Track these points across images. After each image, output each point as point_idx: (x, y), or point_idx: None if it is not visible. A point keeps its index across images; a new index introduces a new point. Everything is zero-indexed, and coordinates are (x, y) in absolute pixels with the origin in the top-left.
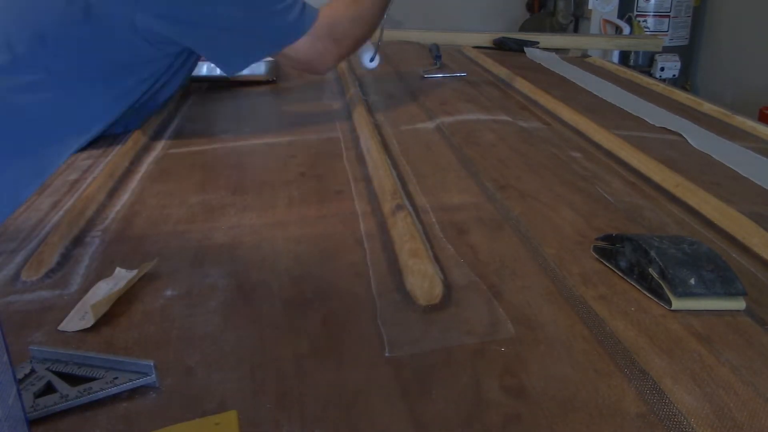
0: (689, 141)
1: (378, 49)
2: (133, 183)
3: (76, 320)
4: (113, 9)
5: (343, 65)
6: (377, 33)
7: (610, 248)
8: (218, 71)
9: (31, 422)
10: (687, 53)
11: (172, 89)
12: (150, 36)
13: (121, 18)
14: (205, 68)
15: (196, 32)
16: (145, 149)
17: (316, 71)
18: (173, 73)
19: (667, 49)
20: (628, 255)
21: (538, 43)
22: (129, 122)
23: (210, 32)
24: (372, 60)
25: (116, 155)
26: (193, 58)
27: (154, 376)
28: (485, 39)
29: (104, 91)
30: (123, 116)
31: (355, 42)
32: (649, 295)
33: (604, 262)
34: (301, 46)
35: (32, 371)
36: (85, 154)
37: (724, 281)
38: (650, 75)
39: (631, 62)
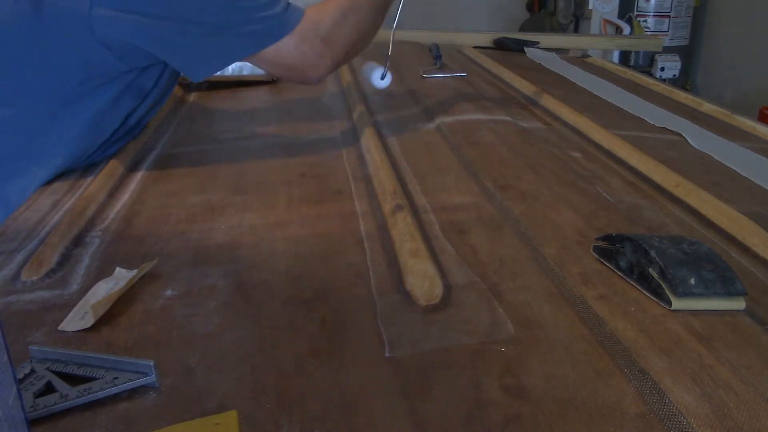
0: (689, 141)
1: (388, 65)
2: (134, 183)
3: (76, 320)
4: (66, 3)
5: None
6: (389, 47)
7: (610, 248)
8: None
9: (31, 422)
10: (687, 53)
11: (144, 120)
12: (109, 40)
13: (76, 17)
14: None
15: (160, 28)
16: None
17: (305, 78)
18: (146, 108)
19: (667, 49)
20: (628, 255)
21: (538, 43)
22: (96, 156)
23: (176, 28)
24: (383, 78)
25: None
26: (169, 85)
27: (154, 376)
28: (485, 39)
29: (64, 120)
30: (92, 151)
31: (349, 45)
32: (649, 295)
33: (604, 262)
34: (285, 48)
35: (32, 371)
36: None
37: (724, 281)
38: (650, 75)
39: (632, 62)
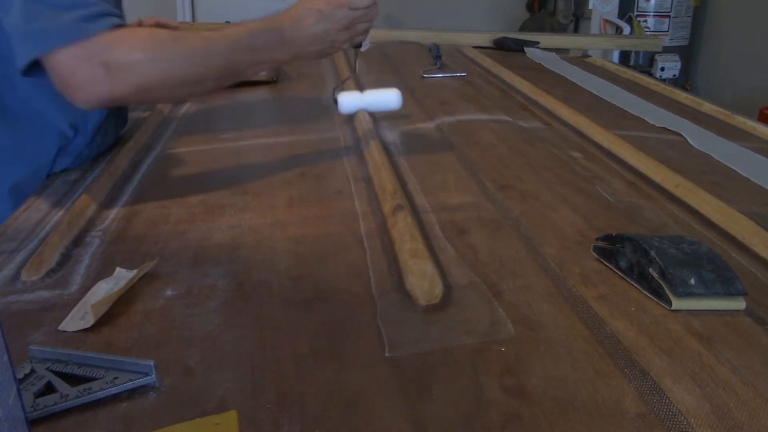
0: (689, 141)
1: (336, 95)
2: (133, 183)
3: (76, 320)
4: None
5: (341, 61)
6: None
7: (610, 248)
8: None
9: (31, 422)
10: (687, 53)
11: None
12: None
13: None
14: None
15: None
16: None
17: (72, 98)
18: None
19: (667, 49)
20: (628, 255)
21: (538, 43)
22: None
23: None
24: (337, 104)
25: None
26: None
27: (154, 376)
28: (485, 39)
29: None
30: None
31: (140, 88)
32: (649, 295)
33: (604, 262)
34: (59, 60)
35: (32, 371)
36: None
37: (724, 281)
38: (650, 75)
39: (632, 62)
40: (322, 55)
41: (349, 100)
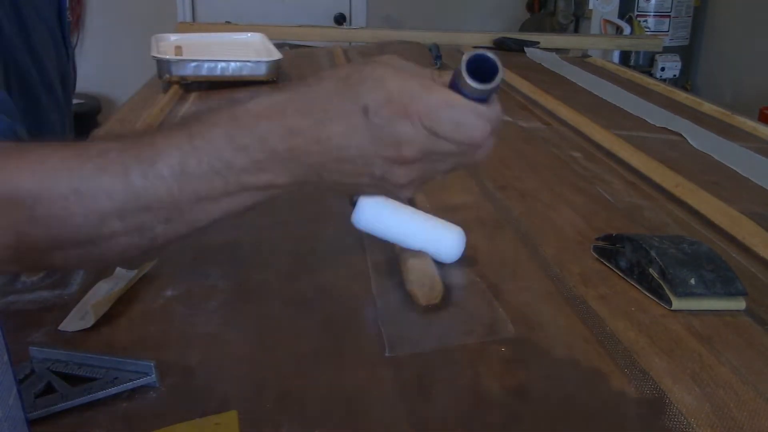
0: (689, 141)
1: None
2: None
3: (76, 320)
4: None
5: (341, 57)
6: None
7: (610, 248)
8: (218, 71)
9: (31, 422)
10: (687, 53)
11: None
12: None
13: None
14: (205, 68)
15: None
16: None
17: None
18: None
19: (667, 49)
20: (628, 255)
21: (538, 43)
22: None
23: None
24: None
25: None
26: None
27: (154, 376)
28: (485, 39)
29: None
30: None
31: None
32: (649, 295)
33: (604, 262)
34: None
35: (32, 371)
36: None
37: (724, 281)
38: (650, 75)
39: (632, 62)
40: (340, 192)
41: (374, 214)
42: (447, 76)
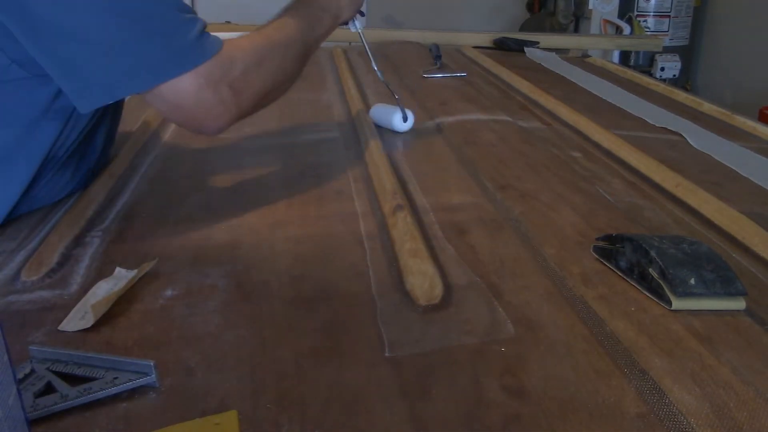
0: (689, 141)
1: (400, 103)
2: (133, 183)
3: (76, 320)
4: None
5: (342, 63)
6: (387, 88)
7: (610, 248)
8: None
9: (31, 422)
10: (687, 53)
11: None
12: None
13: None
14: None
15: (44, 40)
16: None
17: (200, 128)
18: (77, 133)
19: (667, 49)
20: (628, 255)
21: (538, 43)
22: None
23: (51, 33)
24: (405, 120)
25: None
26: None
27: (154, 376)
28: (485, 39)
29: None
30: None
31: (260, 96)
32: (649, 295)
33: (604, 262)
34: (184, 88)
35: (32, 371)
36: None
37: (724, 281)
38: (650, 75)
39: (632, 62)
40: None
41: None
42: None
